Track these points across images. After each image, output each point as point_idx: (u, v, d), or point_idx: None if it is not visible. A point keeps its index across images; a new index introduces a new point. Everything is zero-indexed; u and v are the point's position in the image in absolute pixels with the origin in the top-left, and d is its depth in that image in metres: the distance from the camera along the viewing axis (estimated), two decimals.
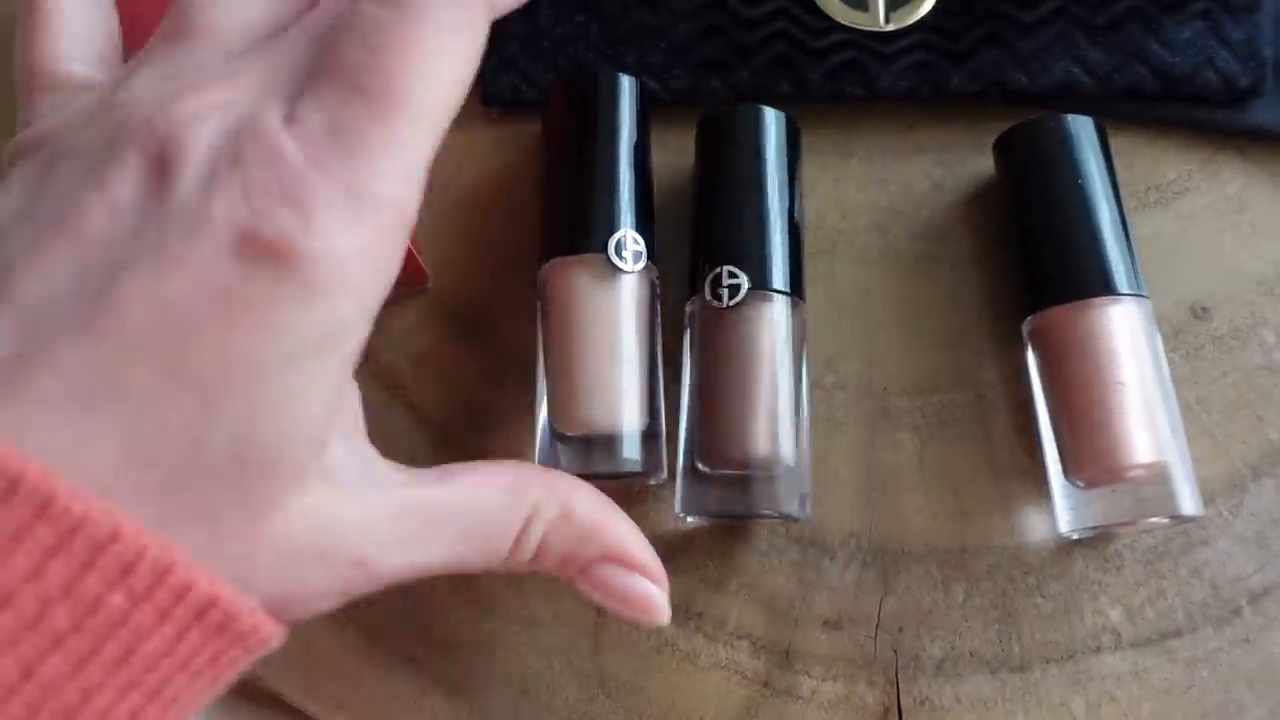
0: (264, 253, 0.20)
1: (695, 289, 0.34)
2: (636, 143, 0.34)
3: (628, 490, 0.35)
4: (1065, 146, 0.34)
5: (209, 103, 0.22)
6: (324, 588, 0.23)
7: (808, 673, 0.34)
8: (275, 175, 0.20)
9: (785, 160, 0.34)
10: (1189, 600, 0.34)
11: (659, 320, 0.34)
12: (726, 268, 0.33)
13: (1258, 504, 0.34)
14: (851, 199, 0.38)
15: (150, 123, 0.21)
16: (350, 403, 0.25)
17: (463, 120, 0.24)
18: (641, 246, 0.33)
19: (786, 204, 0.34)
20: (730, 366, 0.32)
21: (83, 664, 0.19)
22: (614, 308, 0.33)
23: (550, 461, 0.33)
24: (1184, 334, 0.36)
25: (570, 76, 0.35)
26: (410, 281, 0.36)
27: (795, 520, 0.33)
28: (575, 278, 0.33)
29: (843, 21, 0.37)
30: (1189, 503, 0.32)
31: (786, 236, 0.34)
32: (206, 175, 0.21)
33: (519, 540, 0.26)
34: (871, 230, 0.37)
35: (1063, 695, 0.33)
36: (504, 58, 0.38)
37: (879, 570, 0.34)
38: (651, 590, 0.28)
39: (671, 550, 0.30)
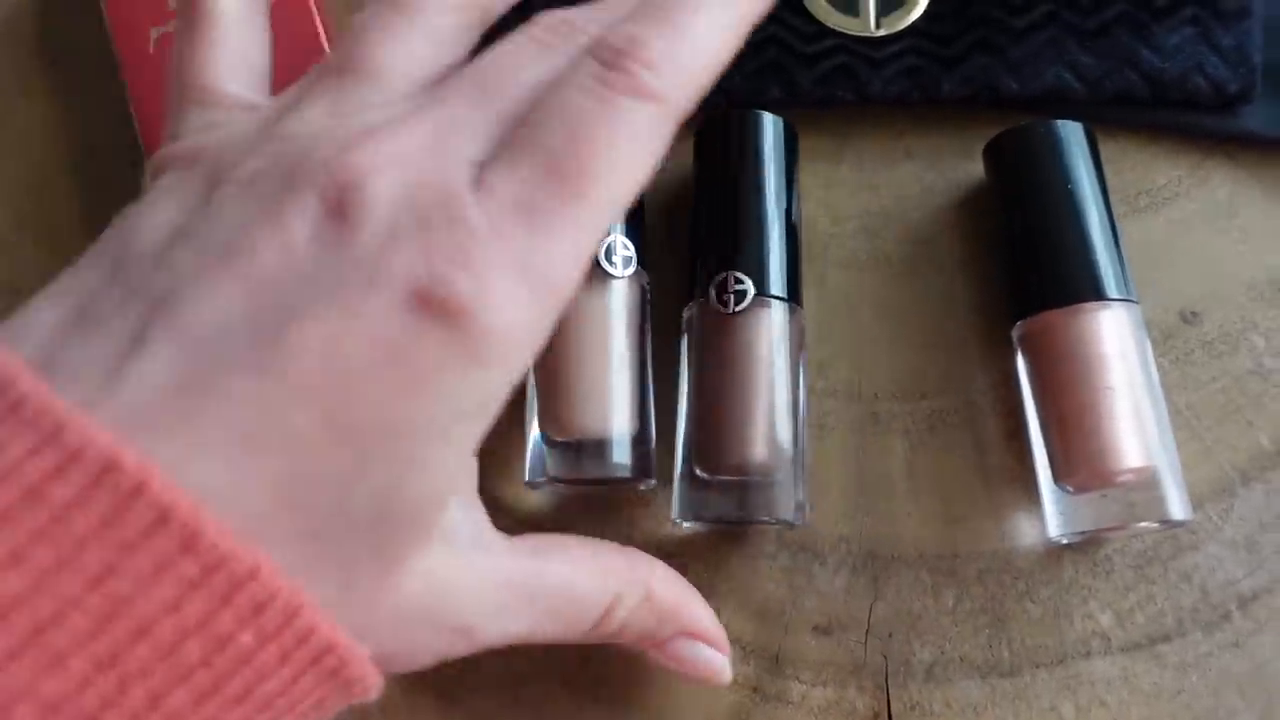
0: (439, 315, 0.20)
1: (694, 294, 0.34)
2: None
3: (617, 496, 0.35)
4: (1055, 152, 0.34)
5: (388, 152, 0.22)
6: (428, 648, 0.24)
7: (798, 678, 0.34)
8: (458, 241, 0.21)
9: (785, 166, 0.34)
10: (1178, 605, 0.34)
11: (649, 325, 0.34)
12: (733, 273, 0.33)
13: (1247, 509, 0.35)
14: (842, 204, 0.38)
15: (329, 167, 0.21)
16: (471, 465, 0.25)
17: None
18: (631, 251, 0.33)
19: (786, 209, 0.34)
20: (731, 372, 0.32)
21: (204, 699, 0.19)
22: (604, 313, 0.33)
23: (540, 466, 0.33)
24: (1174, 339, 0.36)
25: None
26: None
27: (793, 526, 0.33)
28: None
29: (833, 27, 0.37)
30: (1178, 507, 0.32)
31: (787, 243, 0.34)
32: (387, 230, 0.21)
33: (602, 622, 0.28)
34: (862, 235, 0.37)
35: (1052, 700, 0.33)
36: None
37: (869, 575, 0.34)
38: (720, 660, 0.31)
39: (660, 555, 0.30)
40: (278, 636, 0.19)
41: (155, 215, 0.22)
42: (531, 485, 0.33)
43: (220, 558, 0.18)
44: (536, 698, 0.34)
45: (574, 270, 0.22)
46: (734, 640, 0.34)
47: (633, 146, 0.22)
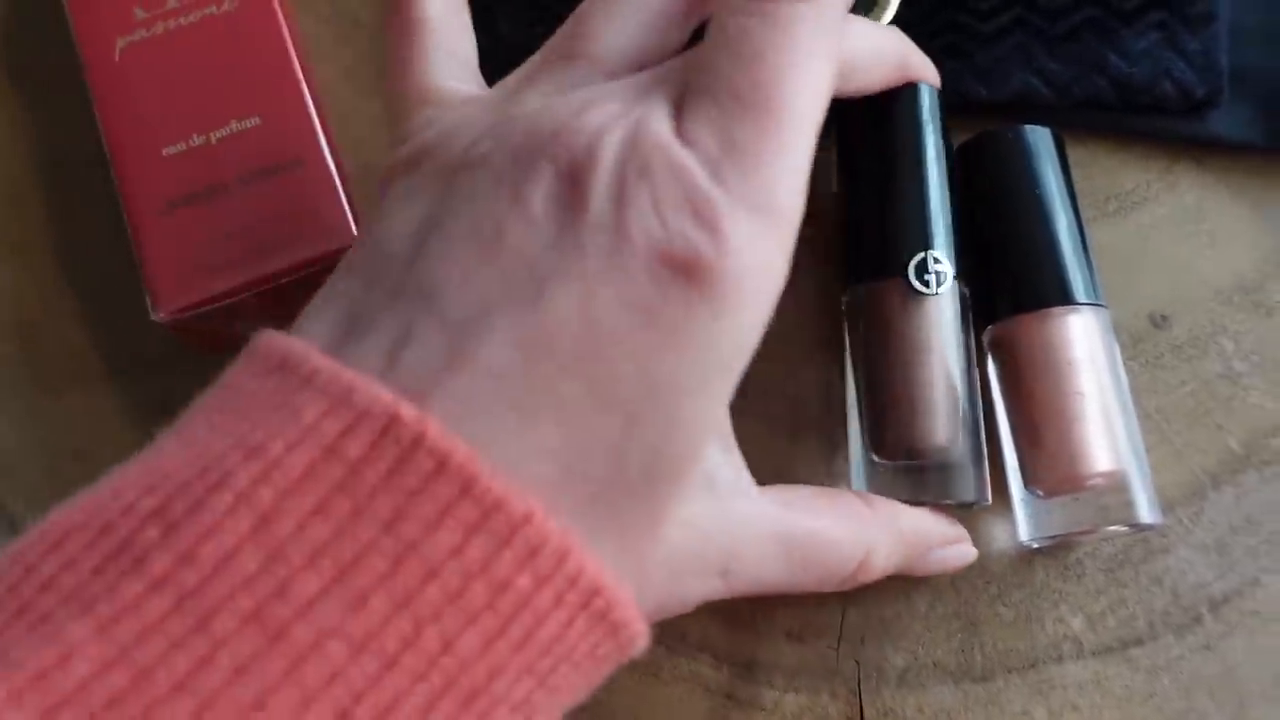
0: (680, 270, 0.20)
1: (862, 276, 0.34)
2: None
3: None
4: (1023, 157, 0.34)
5: (609, 113, 0.22)
6: (692, 593, 0.24)
7: (770, 684, 0.34)
8: (684, 192, 0.21)
9: (943, 139, 0.34)
10: (1150, 608, 0.34)
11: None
12: (931, 253, 0.32)
13: (1217, 512, 0.35)
14: (815, 201, 0.38)
15: (559, 135, 0.22)
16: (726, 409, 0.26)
17: None
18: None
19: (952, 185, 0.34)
20: (928, 354, 0.32)
21: (491, 642, 0.19)
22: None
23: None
24: (1144, 343, 0.36)
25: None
26: None
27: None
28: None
29: None
30: (1148, 511, 0.32)
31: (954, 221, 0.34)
32: (616, 188, 0.21)
33: (859, 571, 0.29)
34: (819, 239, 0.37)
35: (1025, 704, 0.33)
36: None
37: None
38: (966, 554, 0.32)
39: None
40: (552, 579, 0.20)
41: (395, 220, 0.23)
42: None
43: (496, 501, 0.19)
44: None
45: (795, 195, 0.22)
46: (706, 647, 0.34)
47: (809, 49, 0.22)
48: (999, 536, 0.34)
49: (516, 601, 0.19)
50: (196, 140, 0.32)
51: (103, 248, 0.37)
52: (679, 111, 0.22)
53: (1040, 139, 0.34)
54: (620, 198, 0.21)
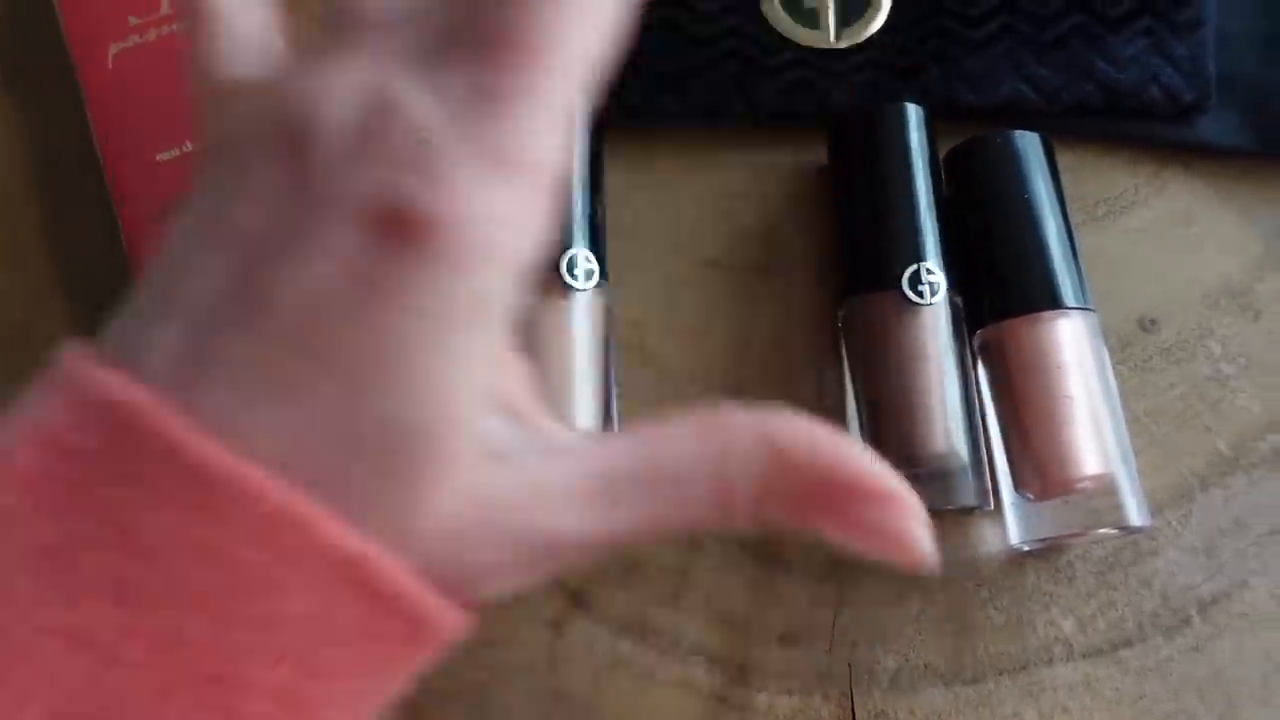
0: (398, 228, 0.19)
1: (857, 288, 0.34)
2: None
3: None
4: (1013, 162, 0.35)
5: (343, 81, 0.21)
6: (503, 560, 0.22)
7: (764, 687, 0.34)
8: (406, 144, 0.20)
9: (931, 156, 0.35)
10: (1139, 610, 0.34)
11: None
12: (924, 264, 0.33)
13: (1206, 514, 0.35)
14: (810, 216, 0.38)
15: (286, 107, 0.21)
16: (512, 373, 0.24)
17: None
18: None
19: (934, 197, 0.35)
20: (923, 362, 0.33)
21: (227, 625, 0.19)
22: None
23: None
24: (1132, 346, 0.36)
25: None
26: None
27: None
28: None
29: (794, 39, 0.37)
30: (1136, 514, 0.32)
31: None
32: (337, 152, 0.20)
33: (722, 489, 0.23)
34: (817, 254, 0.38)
35: (1016, 706, 0.33)
36: None
37: (833, 585, 0.34)
38: (909, 526, 0.24)
39: (624, 567, 0.30)
40: (291, 551, 0.19)
41: (171, 227, 0.22)
42: None
43: (215, 476, 0.18)
44: (500, 710, 0.33)
45: (543, 141, 0.21)
46: (699, 650, 0.34)
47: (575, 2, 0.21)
48: (990, 539, 0.35)
49: (251, 579, 0.19)
50: (189, 146, 0.32)
51: (93, 251, 0.37)
52: (433, 62, 0.21)
53: (1029, 144, 0.35)
54: (340, 162, 0.20)
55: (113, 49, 0.32)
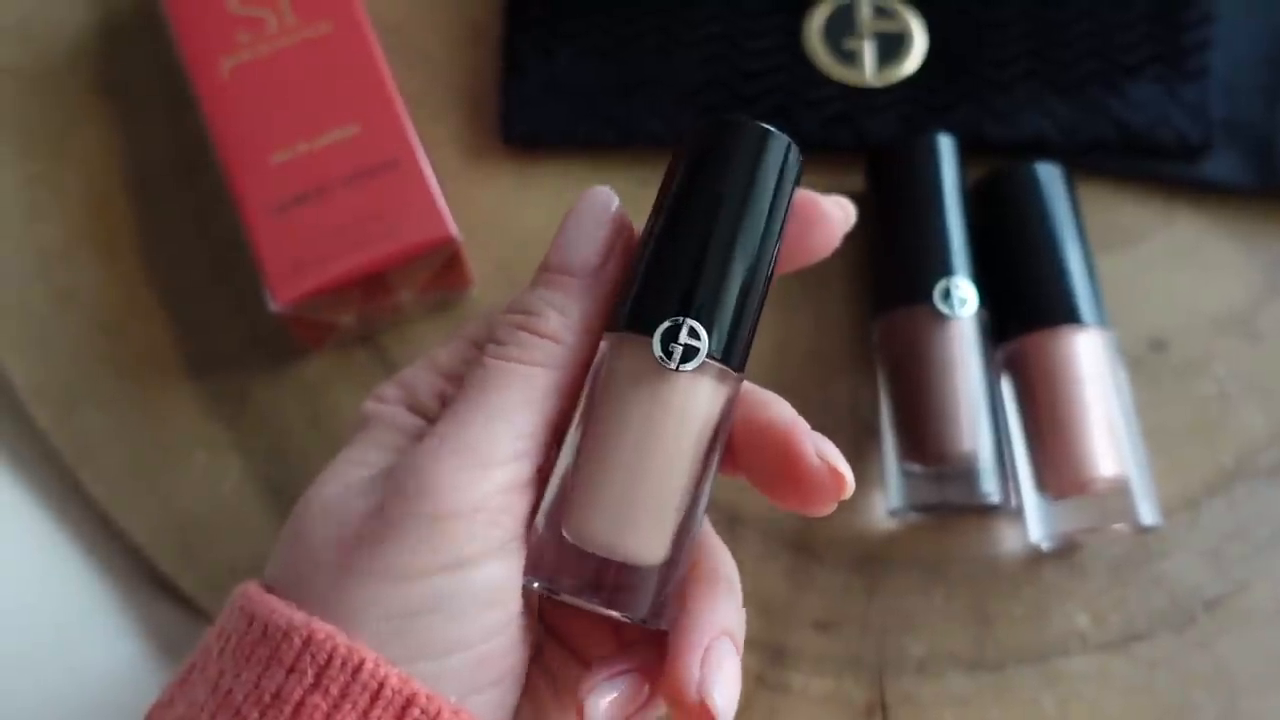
0: None
1: (889, 303, 0.37)
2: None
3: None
4: (1036, 190, 0.38)
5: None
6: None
7: (799, 669, 0.36)
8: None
9: (961, 182, 0.38)
10: (1149, 607, 0.37)
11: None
12: (953, 279, 0.36)
13: (1211, 521, 0.37)
14: (847, 238, 0.41)
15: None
16: None
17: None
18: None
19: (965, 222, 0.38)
20: (956, 370, 0.36)
21: None
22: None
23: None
24: (1143, 365, 0.39)
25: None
26: (456, 286, 0.39)
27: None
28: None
29: (834, 77, 0.41)
30: (1148, 513, 0.35)
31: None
32: None
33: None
34: (852, 271, 0.40)
35: (1034, 693, 0.36)
36: (523, 99, 0.41)
37: (866, 576, 0.37)
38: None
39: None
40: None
41: None
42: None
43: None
44: None
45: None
46: None
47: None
48: (1010, 537, 0.37)
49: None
50: (302, 147, 0.35)
51: (185, 251, 0.40)
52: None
53: (1051, 175, 0.38)
54: None
55: (226, 63, 0.35)
